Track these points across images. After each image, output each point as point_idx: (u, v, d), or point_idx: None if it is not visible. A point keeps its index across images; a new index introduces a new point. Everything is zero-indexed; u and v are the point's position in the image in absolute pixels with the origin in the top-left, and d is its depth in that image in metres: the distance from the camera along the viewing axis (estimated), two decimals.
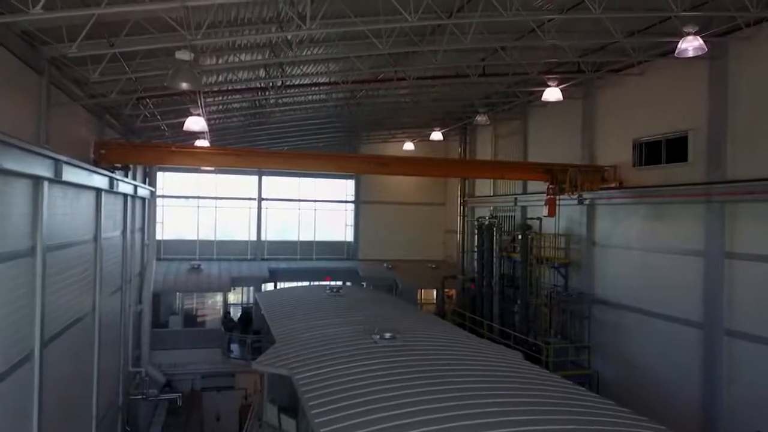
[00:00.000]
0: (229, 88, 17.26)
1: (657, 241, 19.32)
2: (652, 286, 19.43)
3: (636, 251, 20.26)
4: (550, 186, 20.81)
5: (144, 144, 17.72)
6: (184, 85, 10.95)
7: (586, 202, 22.04)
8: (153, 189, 28.31)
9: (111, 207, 20.15)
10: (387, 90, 23.28)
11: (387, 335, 14.90)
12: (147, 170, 28.38)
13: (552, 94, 19.33)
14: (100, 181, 17.02)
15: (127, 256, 23.32)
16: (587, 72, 18.88)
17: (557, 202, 21.21)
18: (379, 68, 18.15)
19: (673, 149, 18.65)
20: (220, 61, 15.24)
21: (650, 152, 19.69)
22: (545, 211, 21.23)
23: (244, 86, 17.69)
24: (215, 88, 17.12)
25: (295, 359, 14.13)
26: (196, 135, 21.58)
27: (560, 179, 20.45)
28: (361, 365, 12.85)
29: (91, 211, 17.36)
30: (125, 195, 22.39)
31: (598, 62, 19.31)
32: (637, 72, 19.05)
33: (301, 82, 19.11)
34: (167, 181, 32.80)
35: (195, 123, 16.67)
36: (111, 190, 18.36)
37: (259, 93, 18.47)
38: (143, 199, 27.55)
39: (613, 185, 20.64)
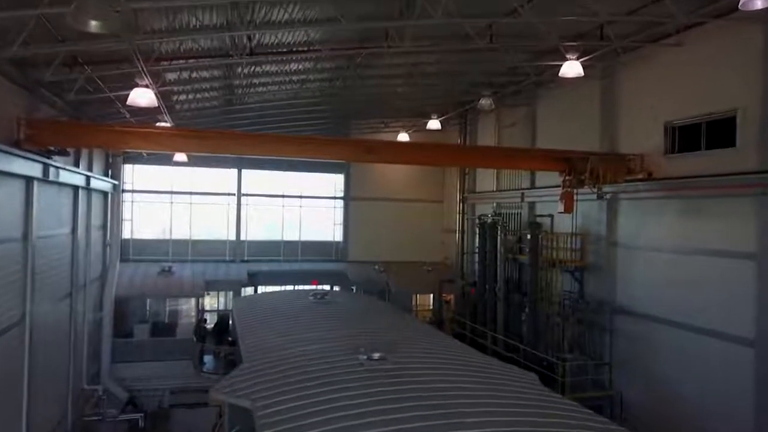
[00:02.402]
0: (186, 54, 14.21)
1: (694, 241, 16.44)
2: (689, 295, 16.55)
3: (667, 253, 17.37)
4: (567, 177, 18.00)
5: (81, 123, 14.57)
6: (94, 25, 7.99)
7: (607, 196, 19.12)
8: (116, 182, 25.32)
9: (52, 200, 17.17)
10: (377, 68, 20.40)
11: (375, 355, 12.45)
12: (110, 161, 25.44)
13: (571, 68, 16.42)
14: (26, 167, 13.98)
15: (79, 258, 20.34)
16: (615, 41, 15.90)
17: (574, 197, 18.38)
18: (368, 30, 15.27)
19: (716, 133, 15.79)
20: (170, 19, 12.26)
21: (686, 137, 16.86)
22: (561, 206, 18.40)
23: (205, 55, 14.61)
24: (167, 50, 14.01)
25: (263, 386, 11.57)
26: (157, 116, 18.63)
27: (579, 169, 17.60)
28: (341, 396, 10.40)
29: (17, 203, 14.35)
30: (75, 187, 19.44)
31: (625, 33, 16.41)
32: (673, 42, 16.13)
33: (277, 50, 16.09)
34: (137, 174, 29.80)
35: (141, 96, 13.66)
36: (47, 179, 15.36)
37: (227, 62, 15.29)
38: (104, 193, 24.61)
39: (640, 176, 17.76)
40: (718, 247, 15.66)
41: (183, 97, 20.18)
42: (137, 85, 13.57)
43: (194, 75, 17.57)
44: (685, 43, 16.10)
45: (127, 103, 13.78)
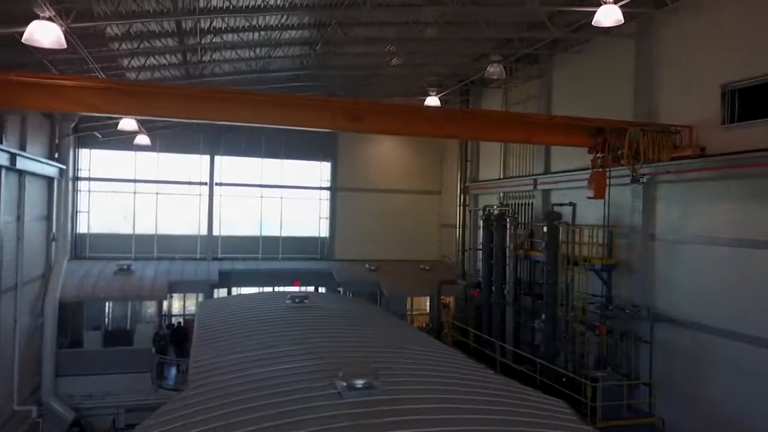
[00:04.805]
0: None
1: (761, 232, 13.09)
2: (752, 299, 13.23)
3: (723, 247, 14.01)
4: (599, 155, 14.60)
5: None
6: None
7: (644, 179, 15.71)
8: (62, 166, 21.81)
9: None
10: (364, 27, 17.01)
11: (359, 382, 9.35)
12: (56, 142, 21.91)
13: (608, 13, 13.03)
14: None
15: (5, 253, 16.82)
16: None
17: (606, 180, 15.03)
18: None
19: None
20: None
21: (750, 102, 13.49)
22: (590, 191, 15.02)
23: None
24: None
25: (203, 426, 8.40)
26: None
27: (614, 144, 14.23)
28: None
29: None
30: None
31: None
32: None
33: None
34: (95, 160, 26.29)
35: (42, 32, 10.12)
36: None
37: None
38: (48, 178, 21.12)
39: (688, 152, 14.39)
40: None
41: (126, 60, 16.59)
42: (37, 17, 10.07)
43: (139, 27, 14.00)
44: None
45: (23, 40, 10.23)
